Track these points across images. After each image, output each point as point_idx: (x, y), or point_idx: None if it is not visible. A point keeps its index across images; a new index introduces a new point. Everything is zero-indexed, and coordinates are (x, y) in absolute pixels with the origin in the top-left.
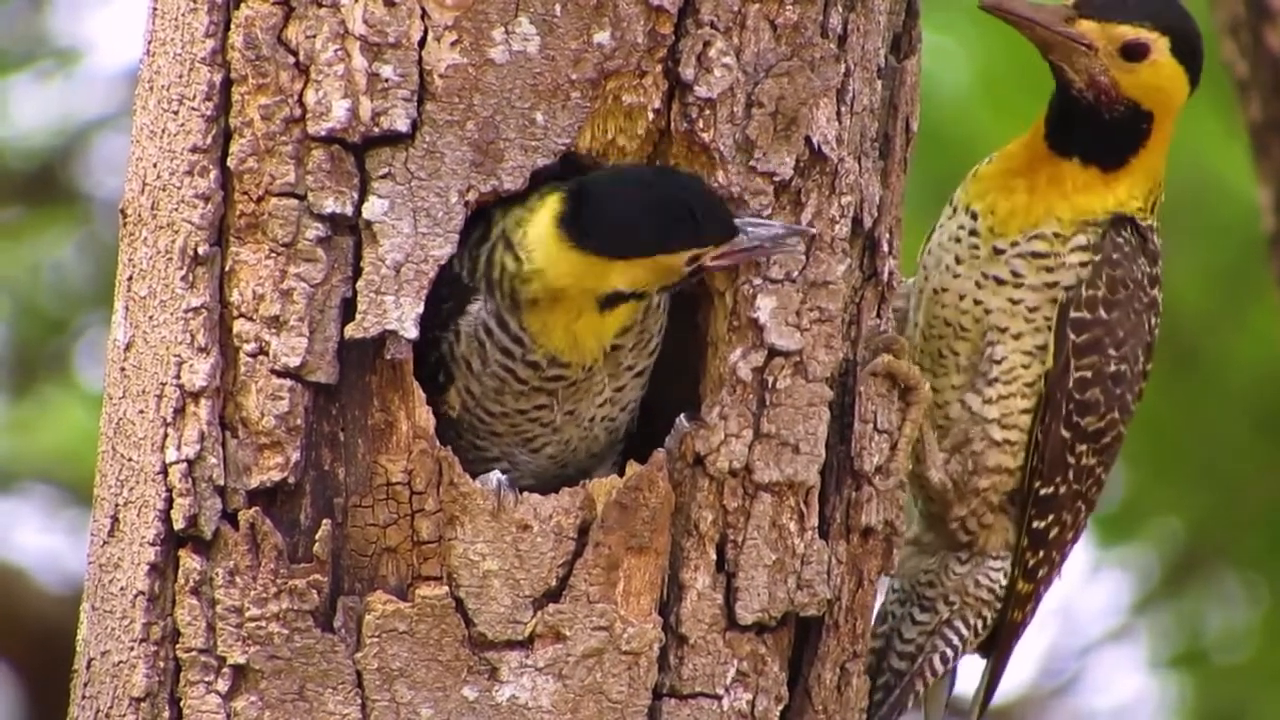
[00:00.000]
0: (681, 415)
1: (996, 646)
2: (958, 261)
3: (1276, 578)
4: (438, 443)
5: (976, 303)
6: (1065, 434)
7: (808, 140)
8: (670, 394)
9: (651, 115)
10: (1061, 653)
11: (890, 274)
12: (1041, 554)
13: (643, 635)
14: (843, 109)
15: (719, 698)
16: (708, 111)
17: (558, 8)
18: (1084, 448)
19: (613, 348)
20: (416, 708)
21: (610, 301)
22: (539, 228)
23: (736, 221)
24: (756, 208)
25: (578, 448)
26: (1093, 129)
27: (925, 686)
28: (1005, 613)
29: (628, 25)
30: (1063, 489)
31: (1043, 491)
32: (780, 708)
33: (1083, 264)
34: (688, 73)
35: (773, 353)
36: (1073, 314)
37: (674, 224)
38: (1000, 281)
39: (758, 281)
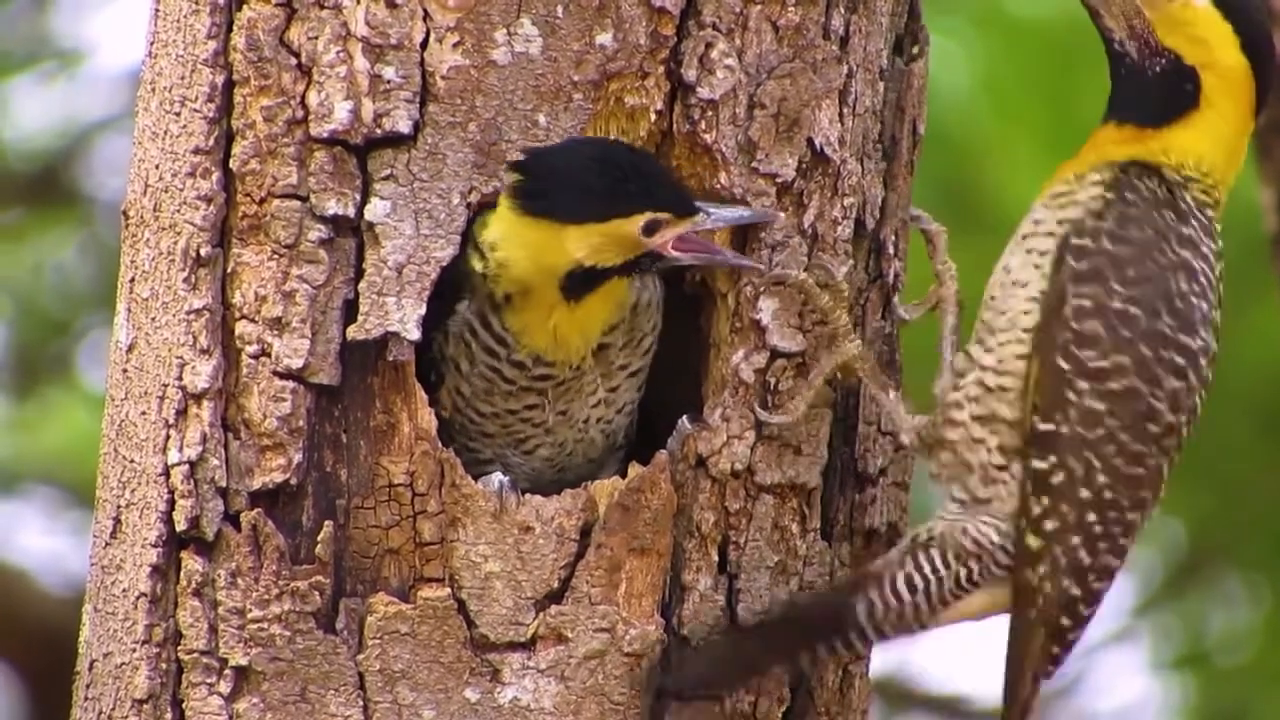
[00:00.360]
0: (684, 417)
1: (1014, 608)
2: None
3: (1279, 579)
4: (440, 444)
5: (1006, 270)
6: (1063, 365)
7: (810, 142)
8: (672, 395)
9: (654, 117)
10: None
11: (895, 276)
12: (1047, 502)
13: (645, 637)
14: (845, 110)
15: (721, 699)
16: (710, 113)
17: (560, 9)
18: (1085, 385)
19: (601, 346)
20: (419, 709)
21: (577, 284)
22: (498, 213)
23: (698, 203)
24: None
25: (573, 451)
26: (1136, 88)
27: (879, 599)
28: (1019, 571)
29: (630, 27)
30: (1064, 429)
31: (1041, 427)
32: (782, 709)
33: (1094, 198)
34: (690, 74)
35: (775, 354)
36: (1073, 240)
37: (623, 184)
38: (1023, 236)
39: (760, 283)
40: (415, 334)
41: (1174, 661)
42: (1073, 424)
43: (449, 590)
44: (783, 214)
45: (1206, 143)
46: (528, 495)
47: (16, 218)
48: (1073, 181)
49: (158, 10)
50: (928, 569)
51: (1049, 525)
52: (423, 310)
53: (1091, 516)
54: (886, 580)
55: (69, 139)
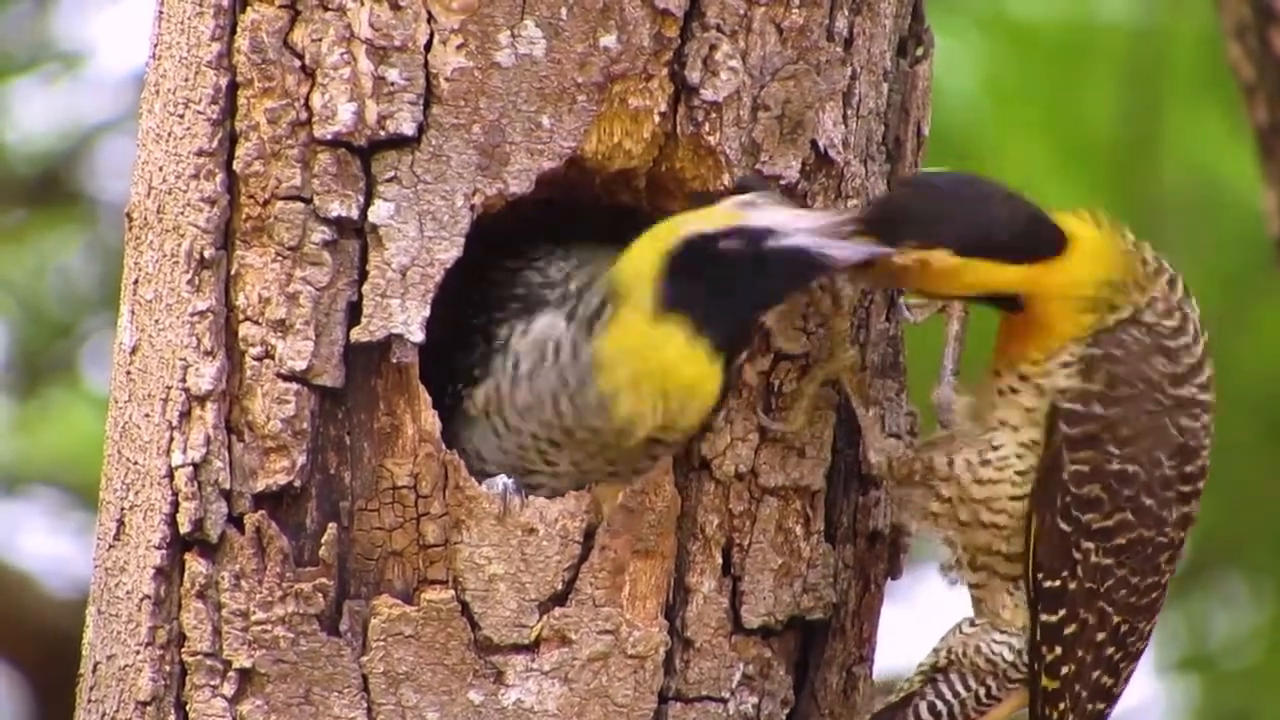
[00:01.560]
0: None
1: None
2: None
3: None
4: (444, 446)
5: (989, 405)
6: (1065, 527)
7: (814, 144)
8: None
9: (657, 118)
10: None
11: None
12: (1060, 651)
13: (649, 639)
14: (849, 112)
15: (725, 701)
16: (714, 115)
17: (564, 11)
18: (1090, 545)
19: (655, 440)
20: (422, 711)
21: (682, 267)
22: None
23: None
24: None
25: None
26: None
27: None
28: (1034, 708)
29: (633, 29)
30: (1071, 584)
31: (1046, 584)
32: (786, 712)
33: (1073, 365)
34: (694, 76)
35: (779, 357)
36: (1064, 405)
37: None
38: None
39: None
40: (419, 336)
41: (1179, 664)
42: (1081, 580)
43: (453, 592)
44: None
45: (1080, 275)
46: (531, 497)
47: (20, 220)
48: (1039, 362)
49: (161, 12)
50: (949, 693)
51: (1065, 670)
52: (426, 312)
53: (1109, 650)
54: (911, 713)
55: (72, 141)
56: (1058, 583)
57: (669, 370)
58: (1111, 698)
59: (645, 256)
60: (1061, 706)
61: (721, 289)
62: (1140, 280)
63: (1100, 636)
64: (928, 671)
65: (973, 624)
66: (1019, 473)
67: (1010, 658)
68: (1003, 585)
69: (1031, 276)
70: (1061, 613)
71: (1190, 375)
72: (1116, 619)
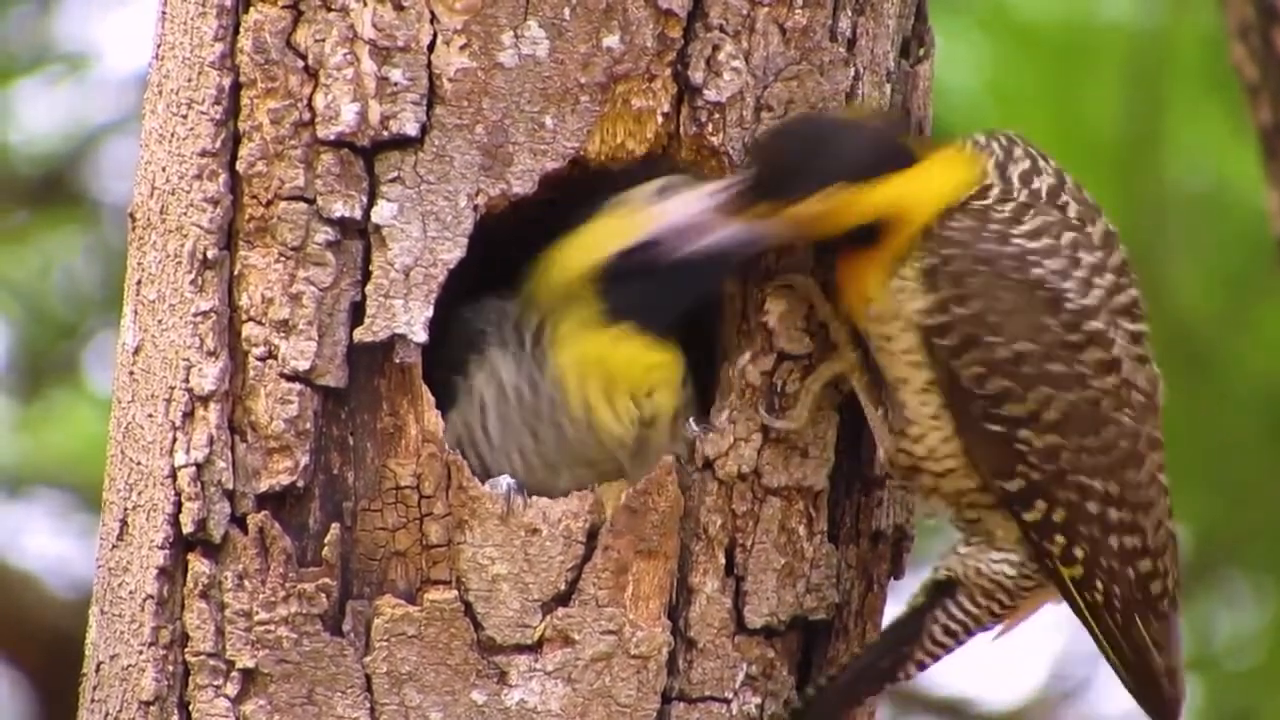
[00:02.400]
0: (690, 419)
1: (1092, 627)
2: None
3: None
4: (446, 446)
5: (884, 370)
6: (994, 428)
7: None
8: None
9: (660, 119)
10: (1071, 658)
11: None
12: (1064, 539)
13: (652, 639)
14: None
15: (728, 702)
16: (717, 115)
17: (567, 11)
18: (1026, 433)
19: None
20: (425, 712)
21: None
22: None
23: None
24: None
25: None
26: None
27: (927, 655)
28: (1075, 604)
29: (637, 29)
30: (1034, 475)
31: (1010, 487)
32: (789, 711)
33: (914, 281)
34: (697, 76)
35: (782, 357)
36: (926, 323)
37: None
38: (877, 350)
39: (768, 286)
40: (422, 336)
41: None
42: (1039, 467)
43: (456, 592)
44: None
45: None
46: (534, 497)
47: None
48: (876, 297)
49: (164, 13)
50: (960, 614)
51: (1079, 552)
52: (429, 313)
53: (1112, 514)
54: (926, 637)
55: (75, 142)
56: (1020, 482)
57: (631, 369)
58: (1150, 551)
59: (569, 273)
60: (1098, 586)
61: (651, 292)
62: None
63: (1093, 508)
64: (930, 587)
65: (967, 544)
66: (933, 417)
67: (1013, 573)
68: (990, 513)
69: (900, 191)
70: (1040, 505)
71: (1012, 225)
72: (1098, 483)
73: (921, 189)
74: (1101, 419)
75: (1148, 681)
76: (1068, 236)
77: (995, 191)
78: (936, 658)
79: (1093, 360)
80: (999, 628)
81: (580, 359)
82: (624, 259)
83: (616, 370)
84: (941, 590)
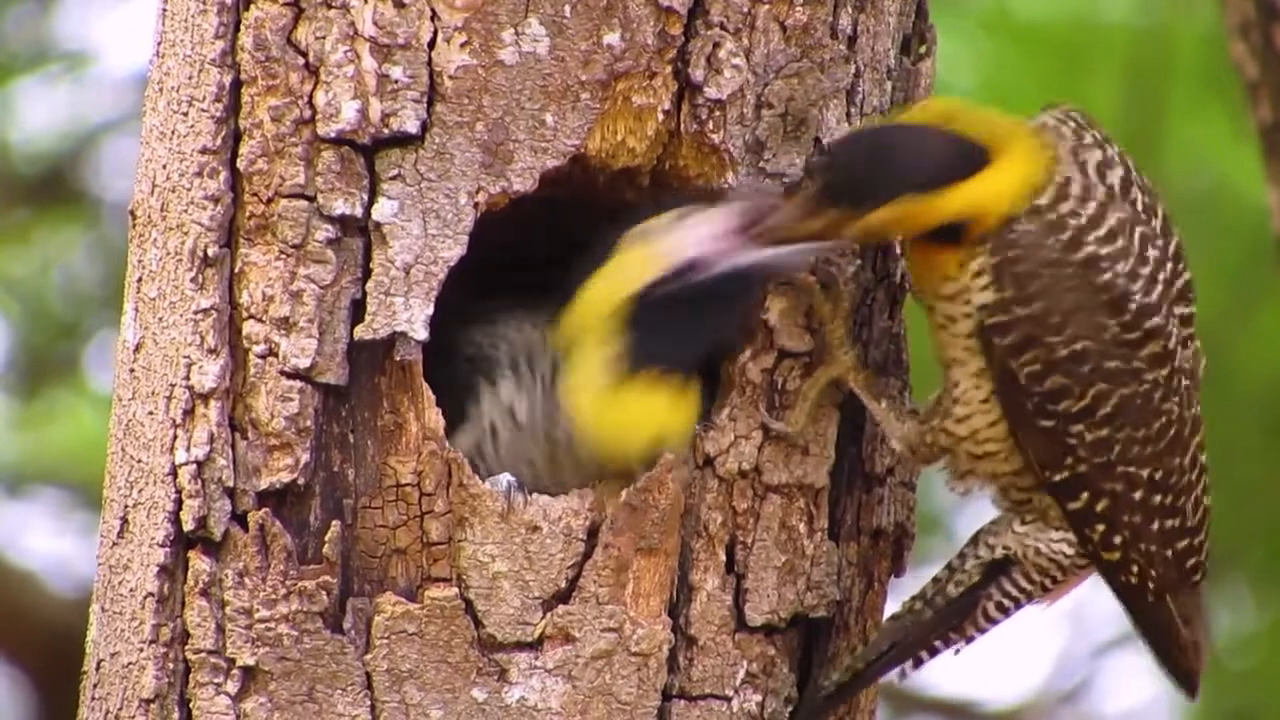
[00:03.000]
0: None
1: (1128, 606)
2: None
3: None
4: (447, 444)
5: (941, 346)
6: (1047, 424)
7: (818, 141)
8: None
9: (661, 116)
10: (1072, 656)
11: (903, 275)
12: (1104, 527)
13: (652, 637)
14: (852, 110)
15: (728, 699)
16: (717, 113)
17: (567, 9)
18: (1079, 428)
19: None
20: (426, 709)
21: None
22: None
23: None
24: None
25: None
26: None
27: (977, 630)
28: (1114, 584)
29: (637, 26)
30: (1081, 468)
31: (1057, 479)
32: (790, 709)
33: (985, 276)
34: (697, 74)
35: (782, 354)
36: (988, 321)
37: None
38: (938, 327)
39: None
40: (422, 334)
41: None
42: (1088, 460)
43: (456, 590)
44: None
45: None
46: (535, 495)
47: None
48: (955, 277)
49: (165, 10)
50: (1015, 590)
51: (1118, 539)
52: (430, 310)
53: (1155, 499)
54: (980, 613)
55: (75, 140)
56: (1066, 474)
57: (649, 422)
58: (1189, 531)
59: (594, 312)
60: (1135, 569)
61: (676, 330)
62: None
63: (1138, 495)
64: (987, 565)
65: (1024, 522)
66: (983, 401)
67: (1071, 551)
68: (1039, 494)
69: (974, 194)
70: (1085, 496)
71: (1089, 231)
72: (1145, 472)
73: (995, 189)
74: (1153, 411)
75: (1171, 653)
76: (1138, 233)
77: (1074, 188)
78: (985, 632)
79: (1149, 354)
80: (1044, 602)
81: (598, 409)
82: (653, 291)
83: (634, 423)
84: (998, 569)
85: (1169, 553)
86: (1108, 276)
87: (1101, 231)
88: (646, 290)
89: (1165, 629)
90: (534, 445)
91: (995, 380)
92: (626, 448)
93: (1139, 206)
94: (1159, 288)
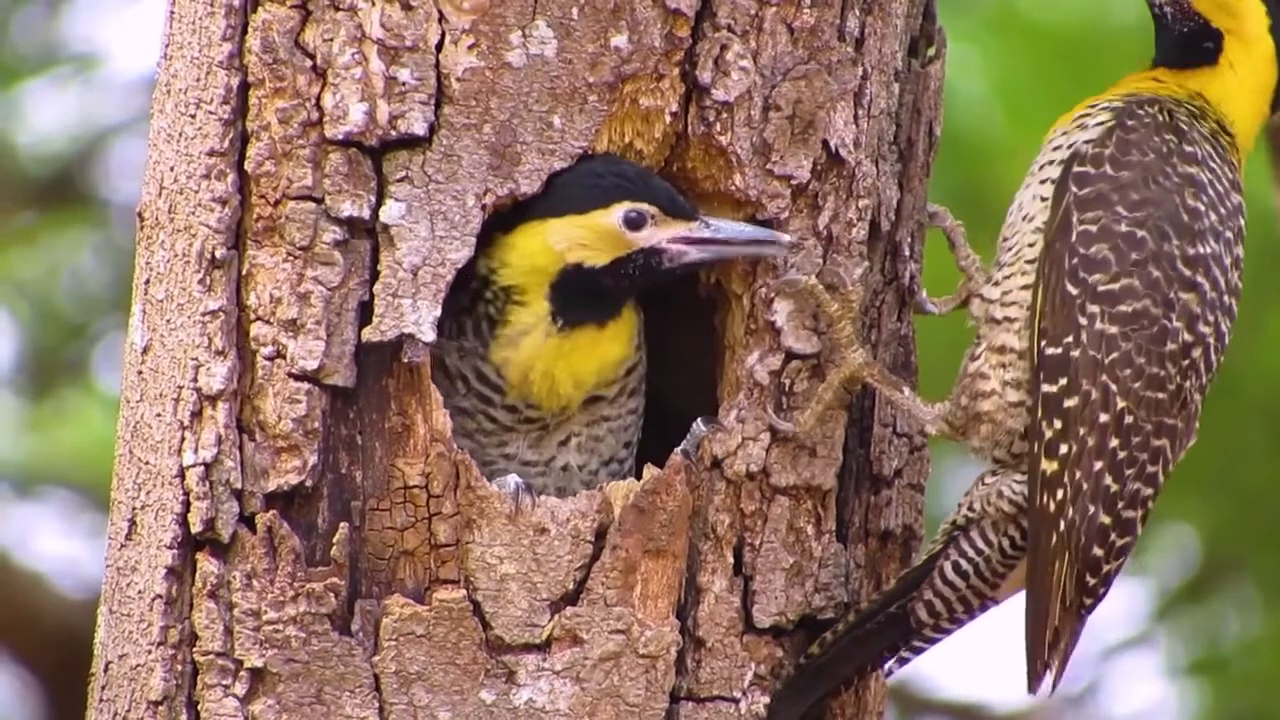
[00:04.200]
0: (699, 419)
1: (1033, 538)
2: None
3: None
4: (455, 446)
5: (1018, 206)
6: (1072, 289)
7: (825, 143)
8: (688, 398)
9: (669, 118)
10: (1080, 659)
11: (911, 278)
12: (1060, 425)
13: (660, 638)
14: (860, 112)
15: (736, 701)
16: (725, 115)
17: (575, 11)
18: (1095, 309)
19: (593, 399)
20: (434, 711)
21: (569, 297)
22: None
23: (702, 216)
24: (774, 210)
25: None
26: (1166, 45)
27: (934, 595)
28: (1034, 498)
29: (645, 29)
30: (1075, 352)
31: (1050, 350)
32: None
33: (1098, 124)
34: (705, 76)
35: (790, 356)
36: (1075, 168)
37: (599, 179)
38: (1039, 166)
39: (772, 286)
40: (430, 335)
41: (1190, 667)
42: (1085, 348)
43: (464, 592)
44: (788, 236)
45: (1220, 92)
46: (543, 497)
47: (32, 221)
48: (1091, 111)
49: (173, 13)
50: (971, 551)
51: (1064, 449)
52: (438, 312)
53: (1114, 441)
54: (936, 575)
55: (84, 142)
56: (1060, 349)
57: (576, 370)
58: (1120, 519)
59: (532, 264)
60: (1060, 495)
61: (607, 295)
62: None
63: (1104, 418)
64: (949, 530)
65: (994, 474)
66: (1029, 261)
67: (1015, 490)
68: (1017, 400)
69: (1264, 39)
70: (1062, 381)
71: (1198, 162)
72: (1121, 404)
73: (1178, 79)
74: (1160, 359)
75: (1038, 628)
76: (1238, 217)
77: (1201, 107)
78: (945, 601)
79: (1185, 303)
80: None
81: (524, 362)
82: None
83: (563, 372)
84: (959, 531)
85: (1093, 509)
86: (1195, 205)
87: (1212, 175)
88: (587, 271)
89: (1043, 592)
90: (477, 411)
91: (1050, 228)
92: (560, 395)
93: (1240, 202)
94: (1228, 265)
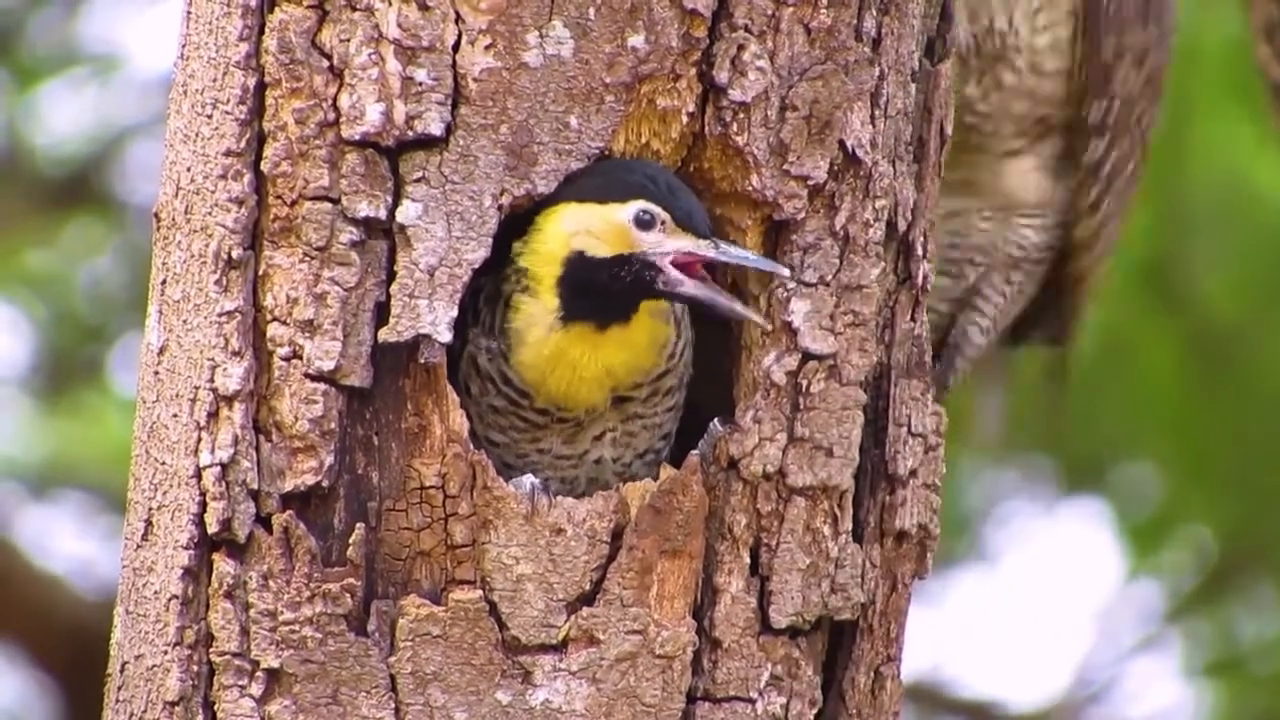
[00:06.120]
0: (715, 419)
1: (1067, 293)
2: None
3: None
4: (471, 446)
5: None
6: (1108, 59)
7: (841, 144)
8: (704, 398)
9: (685, 119)
10: (1095, 660)
11: (925, 277)
12: (1099, 189)
13: (676, 639)
14: (876, 112)
15: (753, 701)
16: (742, 115)
17: (592, 11)
18: (1123, 72)
19: (620, 399)
20: (450, 712)
21: (573, 290)
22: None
23: (716, 239)
24: (791, 211)
25: (586, 489)
26: None
27: (965, 361)
28: (1067, 263)
29: (662, 29)
30: (1115, 104)
31: (1092, 115)
32: (814, 712)
33: None
34: (722, 76)
35: (806, 356)
36: None
37: (626, 174)
38: None
39: (791, 285)
40: (447, 336)
41: (1206, 668)
42: (1123, 102)
43: (480, 592)
44: (789, 270)
45: None
46: (559, 497)
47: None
48: None
49: (189, 13)
50: (989, 308)
51: (1106, 203)
52: (454, 313)
53: (1132, 190)
54: (963, 343)
55: (101, 143)
56: (1104, 109)
57: (594, 367)
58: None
59: (547, 248)
60: (1096, 253)
61: (612, 297)
62: None
63: (1131, 168)
64: (957, 295)
65: (986, 218)
66: (1068, 12)
67: (1036, 239)
68: (1035, 138)
69: None
70: (1106, 139)
71: None
72: (1138, 156)
73: None
74: (1159, 105)
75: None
76: None
77: None
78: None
79: (1165, 74)
80: None
81: (537, 354)
82: (610, 265)
83: (569, 370)
84: (969, 296)
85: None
86: None
87: None
88: (593, 262)
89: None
90: (504, 409)
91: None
92: (580, 397)
93: None
94: None
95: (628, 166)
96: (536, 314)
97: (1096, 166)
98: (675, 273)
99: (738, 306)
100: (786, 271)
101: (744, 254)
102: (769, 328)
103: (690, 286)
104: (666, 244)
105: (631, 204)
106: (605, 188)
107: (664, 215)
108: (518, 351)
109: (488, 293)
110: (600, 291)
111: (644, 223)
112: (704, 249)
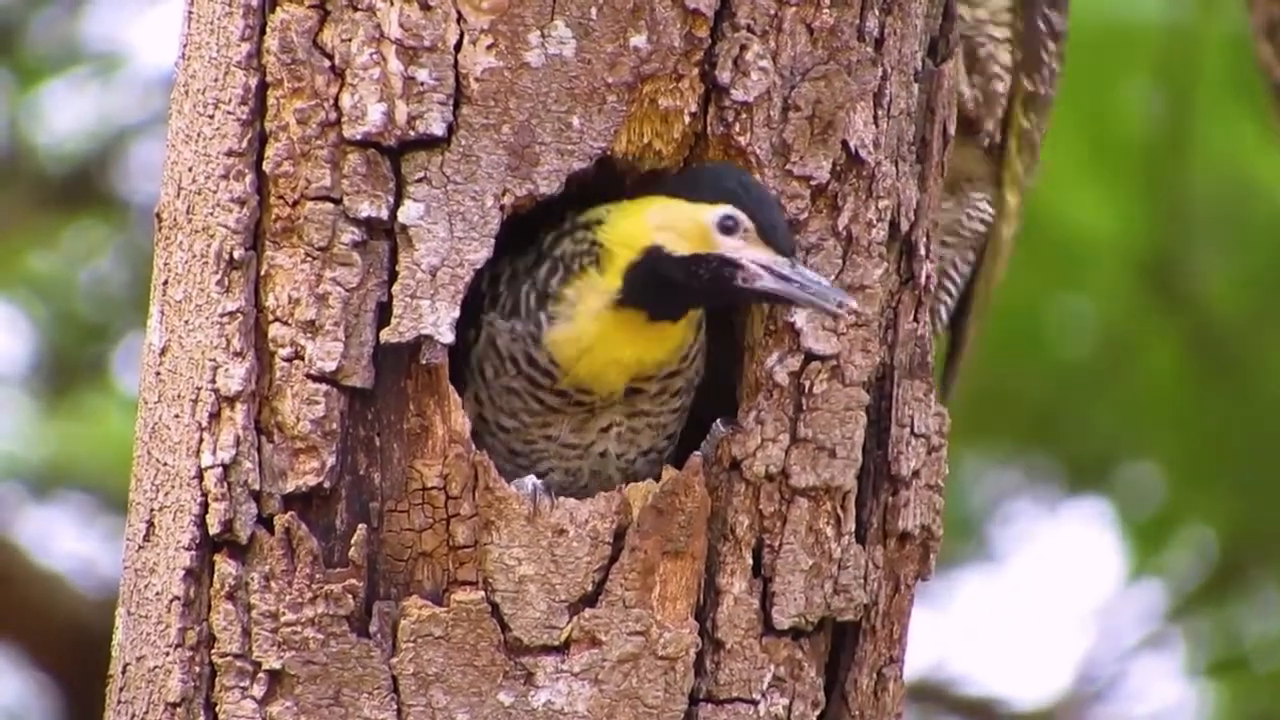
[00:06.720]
0: (718, 420)
1: (985, 264)
2: None
3: None
4: (473, 447)
5: None
6: (1043, 27)
7: (844, 144)
8: (707, 399)
9: (688, 119)
10: (1098, 659)
11: (928, 278)
12: (1029, 159)
13: (679, 640)
14: (880, 112)
15: (755, 703)
16: (744, 115)
17: (594, 11)
18: (1053, 47)
19: (632, 390)
20: (452, 713)
21: (640, 282)
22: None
23: (796, 260)
24: (794, 211)
25: (588, 484)
26: None
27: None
28: (995, 230)
29: (664, 29)
30: (1042, 89)
31: (1028, 87)
32: (817, 713)
33: None
34: (724, 76)
35: (809, 357)
36: None
37: (722, 179)
38: None
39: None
40: (448, 337)
41: (1209, 667)
42: (1047, 85)
43: (482, 593)
44: (855, 301)
45: None
46: (561, 498)
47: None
48: None
49: (191, 13)
50: (953, 288)
51: (1028, 183)
52: (456, 313)
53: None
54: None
55: (103, 143)
56: (1034, 87)
57: (625, 356)
58: None
59: (628, 232)
60: (1016, 225)
61: (679, 292)
62: None
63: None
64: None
65: (944, 198)
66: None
67: (986, 209)
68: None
69: None
70: (1033, 118)
71: None
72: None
73: None
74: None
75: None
76: None
77: None
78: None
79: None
80: None
81: (578, 337)
82: (687, 262)
83: (624, 357)
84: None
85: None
86: None
87: None
88: (671, 259)
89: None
90: (523, 391)
91: None
92: (608, 379)
93: None
94: None
95: (723, 171)
96: (597, 287)
97: (1029, 137)
98: (755, 267)
99: (816, 299)
100: (854, 303)
101: (818, 279)
102: (844, 314)
103: (769, 280)
104: (745, 252)
105: (719, 207)
106: (698, 187)
107: (749, 224)
108: (556, 325)
109: (509, 276)
110: (667, 286)
111: (727, 228)
112: (780, 266)
